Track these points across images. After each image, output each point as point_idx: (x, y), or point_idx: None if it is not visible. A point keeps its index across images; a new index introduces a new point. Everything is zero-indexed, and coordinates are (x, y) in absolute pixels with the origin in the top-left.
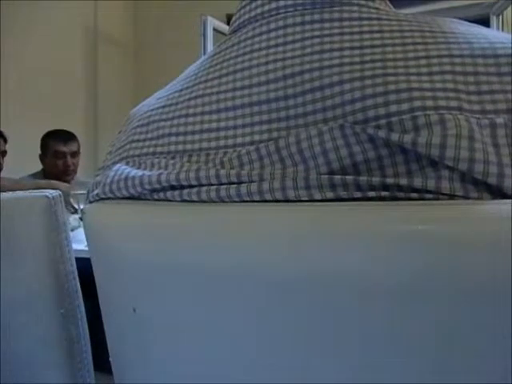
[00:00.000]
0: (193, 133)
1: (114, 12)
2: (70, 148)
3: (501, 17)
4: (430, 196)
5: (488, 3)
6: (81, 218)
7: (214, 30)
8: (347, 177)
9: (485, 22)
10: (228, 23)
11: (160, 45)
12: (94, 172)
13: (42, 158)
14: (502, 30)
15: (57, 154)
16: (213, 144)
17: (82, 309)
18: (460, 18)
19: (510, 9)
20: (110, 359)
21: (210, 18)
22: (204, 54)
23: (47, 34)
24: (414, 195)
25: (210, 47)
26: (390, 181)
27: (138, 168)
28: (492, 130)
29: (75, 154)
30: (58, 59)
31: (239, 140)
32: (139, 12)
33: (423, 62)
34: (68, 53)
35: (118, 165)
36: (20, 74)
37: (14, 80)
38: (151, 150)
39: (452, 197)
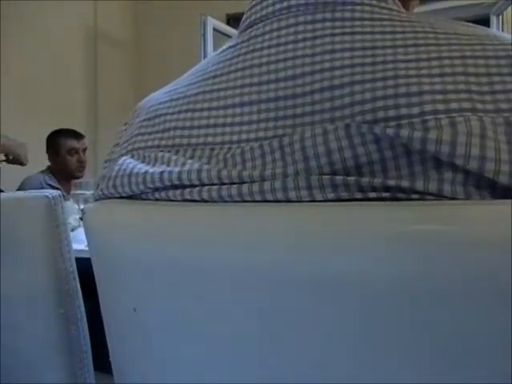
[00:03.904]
0: (199, 127)
1: (114, 12)
2: (83, 144)
3: (501, 17)
4: (432, 198)
5: (488, 3)
6: (81, 218)
7: (214, 29)
8: (349, 177)
9: (485, 21)
10: (228, 23)
11: (160, 45)
12: (93, 171)
13: (53, 156)
14: (502, 30)
15: (71, 151)
16: (218, 139)
17: (82, 309)
18: (460, 18)
19: (510, 9)
20: (110, 359)
21: (209, 18)
22: (204, 53)
23: (47, 34)
24: (415, 197)
25: (209, 47)
26: (391, 182)
27: (143, 162)
28: (507, 127)
29: (85, 151)
30: (58, 59)
31: (244, 136)
32: (139, 12)
33: (435, 63)
34: (68, 53)
35: (124, 158)
36: (20, 74)
37: (14, 80)
38: (156, 142)
39: (453, 200)
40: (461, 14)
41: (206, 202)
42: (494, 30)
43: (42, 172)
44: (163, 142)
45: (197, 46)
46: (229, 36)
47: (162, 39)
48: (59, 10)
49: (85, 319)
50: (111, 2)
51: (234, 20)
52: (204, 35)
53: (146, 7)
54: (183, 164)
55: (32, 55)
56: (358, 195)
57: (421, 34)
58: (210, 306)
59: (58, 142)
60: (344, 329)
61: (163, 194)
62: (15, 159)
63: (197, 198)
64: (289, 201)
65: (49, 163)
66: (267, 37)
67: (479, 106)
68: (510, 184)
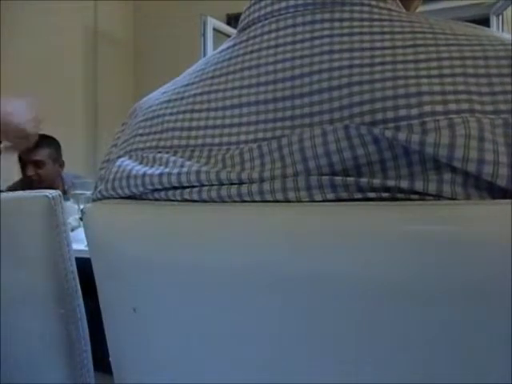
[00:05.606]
0: (197, 128)
1: (114, 12)
2: (31, 156)
3: (501, 17)
4: (431, 198)
5: (488, 3)
6: (81, 218)
7: (214, 29)
8: (348, 178)
9: (485, 21)
10: (228, 23)
11: (160, 45)
12: (93, 171)
13: None
14: (502, 30)
15: (20, 162)
16: (216, 140)
17: (82, 309)
18: (460, 18)
19: (510, 9)
20: (110, 359)
21: (209, 18)
22: (204, 53)
23: (47, 34)
24: (415, 197)
25: (209, 47)
26: (390, 183)
27: (140, 163)
28: (505, 129)
29: (39, 164)
30: (58, 59)
31: (243, 137)
32: (139, 12)
33: (434, 64)
34: (68, 53)
35: (122, 159)
36: (20, 74)
37: (14, 80)
38: (154, 143)
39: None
40: (461, 14)
41: (206, 202)
42: (494, 30)
43: (21, 180)
44: (161, 143)
45: (197, 46)
46: (229, 36)
47: (161, 39)
48: (59, 10)
49: (85, 319)
50: (111, 1)
51: (234, 20)
52: (204, 35)
53: (146, 7)
54: (182, 165)
55: (32, 55)
56: (358, 195)
57: (420, 34)
58: (209, 306)
59: None
60: (342, 329)
61: (163, 194)
62: (16, 143)
63: (196, 198)
64: (288, 201)
65: None
66: (266, 37)
67: (478, 107)
68: (508, 187)
